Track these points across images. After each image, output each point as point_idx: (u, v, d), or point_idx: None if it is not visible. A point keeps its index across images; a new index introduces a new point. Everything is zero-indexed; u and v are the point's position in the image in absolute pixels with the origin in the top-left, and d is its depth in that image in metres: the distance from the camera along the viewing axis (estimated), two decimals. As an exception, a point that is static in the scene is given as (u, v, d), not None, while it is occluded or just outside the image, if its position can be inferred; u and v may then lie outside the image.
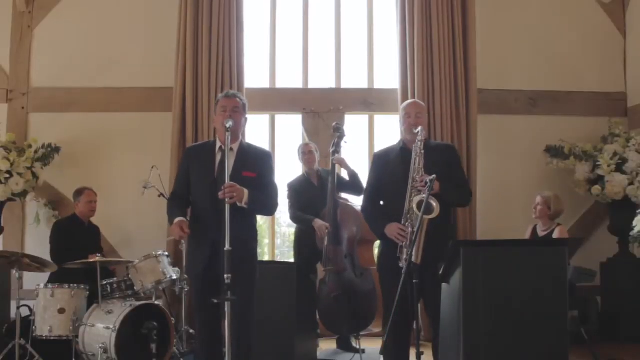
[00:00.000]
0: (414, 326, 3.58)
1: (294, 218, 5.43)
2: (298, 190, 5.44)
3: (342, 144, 5.23)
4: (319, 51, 6.80)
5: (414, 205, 3.68)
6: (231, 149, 3.58)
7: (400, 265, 3.70)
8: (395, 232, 3.78)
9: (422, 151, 3.80)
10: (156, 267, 4.95)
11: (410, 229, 3.70)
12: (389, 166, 3.99)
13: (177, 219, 3.52)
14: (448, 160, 3.98)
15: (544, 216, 5.28)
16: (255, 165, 3.63)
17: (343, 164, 5.32)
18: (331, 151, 5.23)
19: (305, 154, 5.53)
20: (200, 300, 3.49)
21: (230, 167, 3.52)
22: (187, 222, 3.52)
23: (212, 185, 3.44)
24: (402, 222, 3.77)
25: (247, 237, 3.61)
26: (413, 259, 3.56)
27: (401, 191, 3.81)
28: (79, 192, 5.46)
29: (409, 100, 4.34)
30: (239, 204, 3.43)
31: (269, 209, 3.76)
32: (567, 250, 3.50)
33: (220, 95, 3.75)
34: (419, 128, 3.86)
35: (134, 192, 5.58)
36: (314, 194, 5.33)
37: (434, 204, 3.62)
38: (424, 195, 3.61)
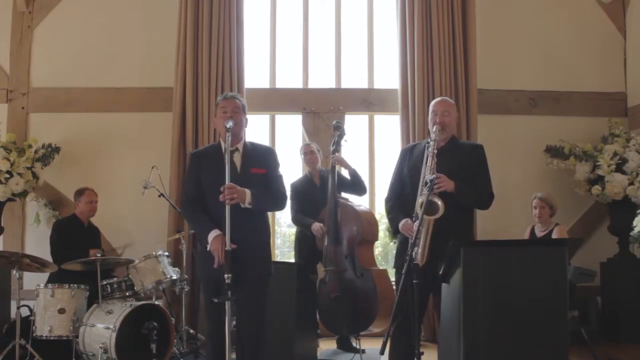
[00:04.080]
0: (417, 326, 3.58)
1: (294, 220, 5.44)
2: (300, 191, 5.44)
3: (342, 142, 5.22)
4: (319, 51, 6.81)
5: (418, 205, 3.68)
6: (236, 149, 3.59)
7: None
8: (407, 228, 3.80)
9: (435, 151, 3.78)
10: (156, 267, 4.96)
11: (415, 228, 3.71)
12: (411, 161, 4.00)
13: (216, 234, 3.42)
14: (473, 160, 3.96)
15: (547, 217, 5.28)
16: (263, 162, 3.63)
17: (342, 163, 5.31)
18: (331, 150, 5.22)
19: (307, 154, 5.53)
20: (215, 304, 3.40)
21: (239, 166, 3.54)
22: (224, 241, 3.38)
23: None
24: (413, 220, 3.79)
25: (260, 238, 3.61)
26: (418, 258, 3.57)
27: (419, 188, 3.80)
28: (79, 192, 5.45)
29: (438, 98, 4.25)
30: (242, 205, 3.42)
31: (277, 204, 3.72)
32: (567, 250, 3.50)
33: (219, 98, 3.74)
34: (435, 127, 3.86)
35: (134, 192, 5.58)
36: (316, 194, 5.33)
37: (439, 204, 3.62)
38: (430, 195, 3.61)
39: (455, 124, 4.18)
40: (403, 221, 3.85)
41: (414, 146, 4.17)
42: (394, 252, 4.12)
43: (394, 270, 4.10)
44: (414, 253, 3.63)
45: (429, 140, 3.86)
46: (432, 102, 4.12)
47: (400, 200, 4.02)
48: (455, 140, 4.05)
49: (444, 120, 3.91)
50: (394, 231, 4.03)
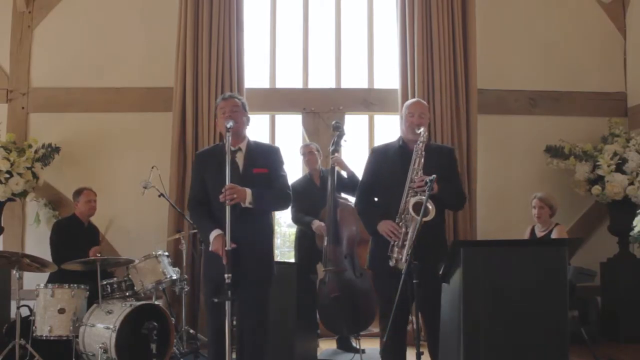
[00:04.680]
0: (413, 326, 3.58)
1: (294, 219, 5.44)
2: (299, 191, 5.43)
3: (342, 142, 5.22)
4: (319, 51, 6.80)
5: (410, 207, 3.66)
6: (239, 149, 3.59)
7: (391, 264, 3.70)
8: (388, 229, 3.76)
9: (423, 152, 3.79)
10: (156, 267, 4.96)
11: (404, 229, 3.70)
12: (387, 163, 3.97)
13: (217, 234, 3.43)
14: (446, 163, 3.97)
15: (547, 217, 5.28)
16: (266, 161, 3.62)
17: (341, 164, 5.30)
18: (331, 150, 5.22)
19: (306, 155, 5.53)
20: (217, 304, 3.39)
21: (241, 166, 3.55)
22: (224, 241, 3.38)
23: None
24: (396, 222, 3.76)
25: (263, 238, 3.60)
26: (403, 258, 3.58)
27: (397, 189, 3.79)
28: (78, 192, 5.45)
29: (413, 99, 4.30)
30: (242, 205, 3.42)
31: (280, 204, 3.71)
32: (567, 250, 3.50)
33: (218, 100, 3.75)
34: (422, 129, 3.85)
35: (134, 192, 5.58)
36: (316, 195, 5.33)
37: (430, 207, 3.61)
38: (420, 197, 3.61)
39: (427, 125, 4.18)
40: (388, 223, 3.80)
41: (387, 147, 4.10)
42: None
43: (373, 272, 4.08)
44: (397, 254, 3.65)
45: (419, 142, 3.82)
46: (408, 103, 4.10)
47: (373, 202, 4.01)
48: (428, 143, 4.02)
49: (421, 122, 3.90)
50: (371, 232, 3.99)
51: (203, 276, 3.76)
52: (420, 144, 3.81)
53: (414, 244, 3.58)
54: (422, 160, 3.78)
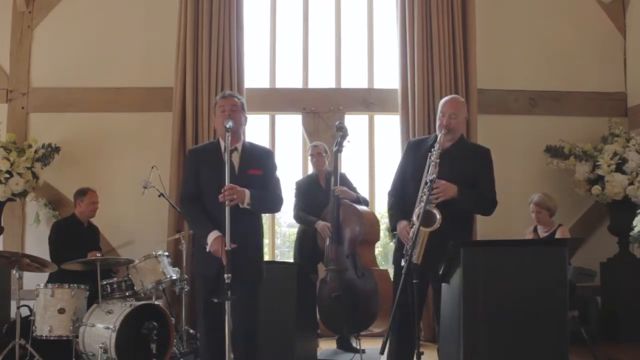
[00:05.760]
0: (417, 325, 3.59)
1: (296, 217, 5.42)
2: (303, 190, 5.44)
3: (345, 143, 5.21)
4: (319, 51, 6.80)
5: (414, 215, 3.66)
6: (235, 148, 3.59)
7: (402, 264, 3.71)
8: (403, 232, 3.79)
9: (438, 160, 3.70)
10: (156, 267, 4.96)
11: (412, 235, 3.70)
12: (417, 158, 3.92)
13: (216, 235, 3.43)
14: (479, 165, 3.92)
15: (547, 219, 5.29)
16: (261, 163, 3.63)
17: (346, 194, 5.21)
18: (334, 150, 5.21)
19: (314, 156, 5.51)
20: (210, 302, 3.41)
21: (237, 166, 3.55)
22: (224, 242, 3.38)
23: (221, 187, 3.39)
24: (410, 224, 3.76)
25: (255, 238, 3.62)
26: (414, 259, 3.57)
27: (420, 186, 3.78)
28: (82, 192, 5.42)
29: (448, 97, 4.12)
30: (241, 206, 3.43)
31: (274, 207, 3.73)
32: (567, 250, 3.50)
33: (217, 97, 3.75)
34: (441, 133, 3.80)
35: (134, 192, 5.58)
36: (319, 195, 5.32)
37: (437, 216, 3.60)
38: (429, 206, 3.60)
39: (464, 124, 4.11)
40: (404, 224, 3.82)
41: (421, 141, 4.08)
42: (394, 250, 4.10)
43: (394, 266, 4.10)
44: (411, 254, 3.65)
45: (433, 150, 3.78)
46: (442, 101, 4.01)
47: (402, 196, 4.00)
48: (462, 142, 3.99)
49: (451, 123, 3.84)
50: (392, 228, 4.02)
51: (195, 275, 3.75)
52: (436, 152, 3.71)
53: (427, 246, 3.59)
54: (437, 167, 3.68)
